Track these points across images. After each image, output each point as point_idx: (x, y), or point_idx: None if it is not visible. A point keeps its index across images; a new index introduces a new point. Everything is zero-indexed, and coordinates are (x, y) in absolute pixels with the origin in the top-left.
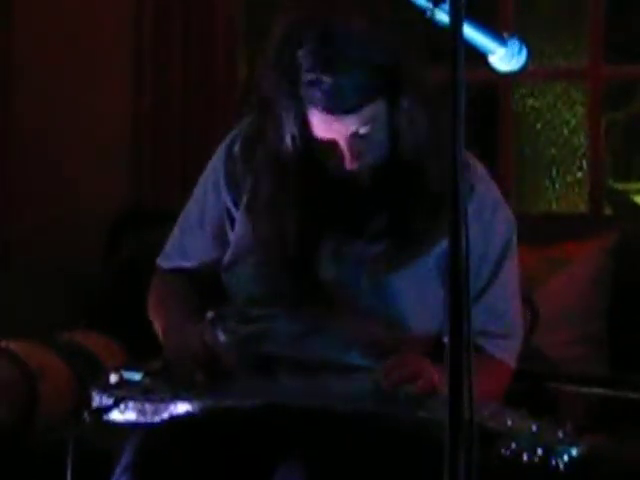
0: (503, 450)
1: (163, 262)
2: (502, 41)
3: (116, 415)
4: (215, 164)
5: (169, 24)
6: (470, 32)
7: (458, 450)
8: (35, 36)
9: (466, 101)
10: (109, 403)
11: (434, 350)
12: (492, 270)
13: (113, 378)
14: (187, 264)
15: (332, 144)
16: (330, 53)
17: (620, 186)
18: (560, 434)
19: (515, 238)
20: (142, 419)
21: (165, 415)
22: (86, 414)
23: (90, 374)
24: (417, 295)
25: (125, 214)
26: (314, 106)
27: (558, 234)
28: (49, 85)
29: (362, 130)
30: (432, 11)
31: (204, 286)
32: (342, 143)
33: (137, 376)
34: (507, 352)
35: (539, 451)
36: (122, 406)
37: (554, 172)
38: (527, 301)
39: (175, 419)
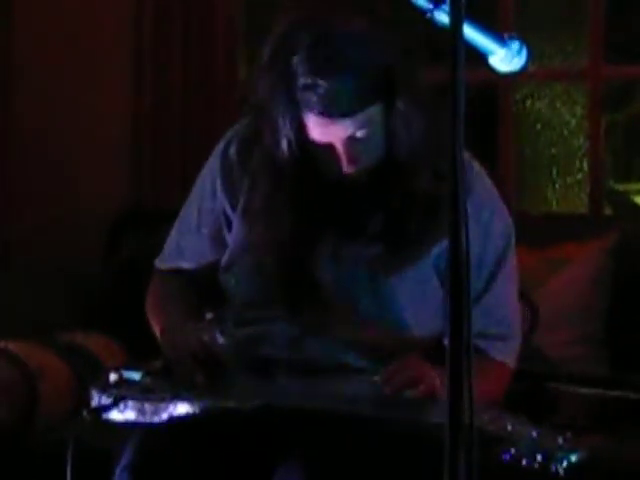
0: (502, 455)
1: (161, 263)
2: (502, 42)
3: (115, 415)
4: (212, 165)
5: (169, 24)
6: (470, 32)
7: (458, 451)
8: (35, 36)
9: (466, 101)
10: (108, 402)
11: (435, 352)
12: (491, 271)
13: (113, 378)
14: (185, 265)
15: (329, 148)
16: (329, 54)
17: (620, 187)
18: (560, 440)
19: (513, 238)
20: (142, 419)
21: (165, 415)
22: (85, 413)
23: (90, 374)
24: (416, 296)
25: (125, 214)
26: (310, 110)
27: (558, 234)
28: (49, 85)
29: (359, 133)
30: (432, 12)
31: (202, 287)
32: (339, 147)
33: (137, 376)
34: (507, 354)
35: (538, 457)
36: (121, 406)
37: (554, 172)
38: (527, 301)
39: (175, 419)
